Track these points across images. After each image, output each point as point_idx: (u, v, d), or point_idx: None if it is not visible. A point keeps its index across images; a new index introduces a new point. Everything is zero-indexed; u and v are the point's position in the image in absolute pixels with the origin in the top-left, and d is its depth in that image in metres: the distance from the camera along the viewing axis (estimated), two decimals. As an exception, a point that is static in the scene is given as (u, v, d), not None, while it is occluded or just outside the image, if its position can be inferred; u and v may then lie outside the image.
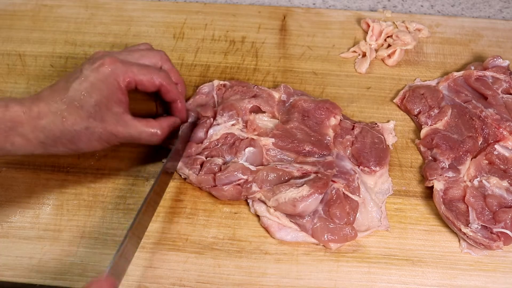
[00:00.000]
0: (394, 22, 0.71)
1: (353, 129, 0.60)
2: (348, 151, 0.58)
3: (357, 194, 0.55)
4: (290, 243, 0.54)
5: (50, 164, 0.60)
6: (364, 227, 0.55)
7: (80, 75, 0.51)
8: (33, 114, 0.49)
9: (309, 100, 0.61)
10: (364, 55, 0.68)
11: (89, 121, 0.50)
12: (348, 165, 0.57)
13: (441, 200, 0.55)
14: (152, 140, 0.54)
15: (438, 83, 0.64)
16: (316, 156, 0.56)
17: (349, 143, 0.59)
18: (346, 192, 0.55)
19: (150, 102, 0.60)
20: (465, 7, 0.77)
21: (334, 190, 0.54)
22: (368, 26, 0.70)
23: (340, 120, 0.60)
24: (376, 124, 0.62)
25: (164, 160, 0.59)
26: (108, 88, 0.50)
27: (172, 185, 0.58)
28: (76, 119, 0.50)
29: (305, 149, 0.57)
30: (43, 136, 0.50)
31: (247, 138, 0.58)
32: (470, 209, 0.54)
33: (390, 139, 0.61)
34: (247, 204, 0.56)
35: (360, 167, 0.57)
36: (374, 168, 0.57)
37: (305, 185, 0.53)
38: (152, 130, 0.53)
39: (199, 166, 0.56)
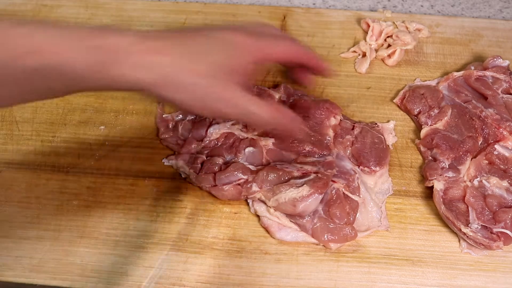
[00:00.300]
0: (394, 22, 0.71)
1: (353, 129, 0.60)
2: (348, 151, 0.58)
3: (357, 194, 0.55)
4: (290, 243, 0.54)
5: (50, 164, 0.60)
6: (364, 227, 0.54)
7: (209, 35, 0.45)
8: (150, 48, 0.42)
9: (309, 100, 0.61)
10: (364, 55, 0.68)
11: (214, 80, 0.43)
12: (348, 165, 0.57)
13: (441, 200, 0.55)
14: (271, 123, 0.48)
15: (438, 83, 0.64)
16: (316, 156, 0.56)
17: (349, 143, 0.59)
18: (346, 192, 0.55)
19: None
20: (465, 7, 0.77)
21: (334, 190, 0.54)
22: (368, 26, 0.70)
23: (340, 120, 0.60)
24: (376, 124, 0.62)
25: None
26: (242, 58, 0.45)
27: (172, 185, 0.58)
28: (198, 70, 0.43)
29: (305, 149, 0.57)
30: (154, 76, 0.41)
31: (246, 138, 0.58)
32: (470, 209, 0.54)
33: (390, 139, 0.61)
34: (247, 204, 0.56)
35: (360, 167, 0.57)
36: (374, 168, 0.57)
37: (305, 185, 0.53)
38: (273, 113, 0.47)
39: (199, 165, 0.56)
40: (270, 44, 0.48)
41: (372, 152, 0.58)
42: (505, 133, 0.59)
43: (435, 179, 0.56)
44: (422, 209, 0.57)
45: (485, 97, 0.62)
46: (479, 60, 0.67)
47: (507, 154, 0.58)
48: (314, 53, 0.53)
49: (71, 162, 0.60)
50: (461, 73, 0.64)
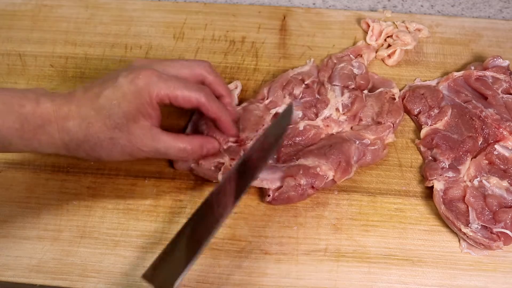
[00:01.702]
0: (394, 22, 0.71)
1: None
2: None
3: None
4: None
5: (50, 164, 0.60)
6: None
7: (115, 83, 0.49)
8: (62, 114, 0.48)
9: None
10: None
11: (114, 132, 0.49)
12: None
13: (441, 200, 0.55)
14: (181, 156, 0.52)
15: (438, 83, 0.64)
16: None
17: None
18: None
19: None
20: (465, 7, 0.77)
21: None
22: (368, 26, 0.70)
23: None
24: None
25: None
26: (139, 102, 0.48)
27: (172, 185, 0.58)
28: (102, 128, 0.48)
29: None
30: (68, 138, 0.49)
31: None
32: (470, 209, 0.54)
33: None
34: (248, 204, 0.57)
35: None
36: None
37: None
38: (180, 145, 0.51)
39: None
40: (176, 91, 0.49)
41: None
42: (505, 133, 0.59)
43: (435, 179, 0.56)
44: (422, 209, 0.57)
45: (485, 97, 0.62)
46: (479, 60, 0.67)
47: (507, 154, 0.58)
48: (225, 115, 0.53)
49: (71, 162, 0.60)
50: (461, 73, 0.64)
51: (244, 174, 0.51)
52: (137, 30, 0.70)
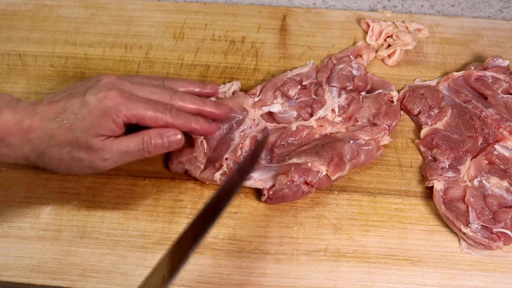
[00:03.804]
0: (394, 22, 0.71)
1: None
2: None
3: None
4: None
5: (50, 164, 0.60)
6: None
7: (82, 99, 0.49)
8: (25, 126, 0.48)
9: None
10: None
11: (73, 145, 0.49)
12: None
13: (441, 200, 0.55)
14: (143, 153, 0.51)
15: (438, 83, 0.64)
16: None
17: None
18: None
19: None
20: (465, 7, 0.77)
21: None
22: (368, 26, 0.70)
23: None
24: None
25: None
26: (105, 120, 0.49)
27: (172, 185, 0.58)
28: (62, 141, 0.49)
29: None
30: (28, 149, 0.49)
31: None
32: (470, 209, 0.54)
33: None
34: (247, 204, 0.57)
35: None
36: None
37: None
38: (135, 142, 0.50)
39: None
40: (143, 112, 0.50)
41: None
42: (505, 133, 0.59)
43: (435, 179, 0.56)
44: (422, 209, 0.57)
45: (485, 97, 0.62)
46: (479, 60, 0.67)
47: (507, 154, 0.58)
48: (195, 124, 0.52)
49: (71, 162, 0.60)
50: (461, 73, 0.64)
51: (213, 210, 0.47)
52: (137, 30, 0.70)
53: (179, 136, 0.51)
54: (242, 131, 0.59)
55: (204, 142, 0.56)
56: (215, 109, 0.55)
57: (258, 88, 0.63)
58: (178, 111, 0.52)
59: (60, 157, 0.50)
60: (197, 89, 0.57)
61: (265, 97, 0.61)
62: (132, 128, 0.51)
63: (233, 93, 0.63)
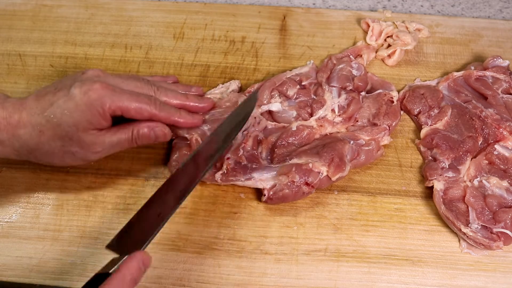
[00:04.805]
0: (394, 22, 0.71)
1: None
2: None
3: None
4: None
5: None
6: None
7: (68, 93, 0.49)
8: (13, 122, 0.49)
9: None
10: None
11: (64, 140, 0.49)
12: None
13: (441, 200, 0.55)
14: (133, 144, 0.53)
15: (438, 83, 0.64)
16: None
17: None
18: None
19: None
20: (465, 7, 0.77)
21: None
22: (368, 26, 0.70)
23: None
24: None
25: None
26: (92, 113, 0.49)
27: (172, 185, 0.58)
28: (53, 136, 0.49)
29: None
30: (18, 144, 0.49)
31: None
32: (470, 209, 0.54)
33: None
34: (247, 204, 0.57)
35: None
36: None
37: None
38: (125, 135, 0.52)
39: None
40: (128, 103, 0.50)
41: None
42: (505, 133, 0.59)
43: (435, 179, 0.56)
44: (422, 209, 0.57)
45: (485, 97, 0.62)
46: (479, 60, 0.67)
47: (507, 154, 0.58)
48: (179, 117, 0.54)
49: (71, 162, 0.60)
50: (461, 73, 0.64)
51: (205, 155, 0.52)
52: (137, 30, 0.70)
53: (166, 130, 0.53)
54: (245, 130, 0.59)
55: (199, 139, 0.56)
56: (198, 102, 0.57)
57: (255, 86, 0.63)
58: (163, 104, 0.53)
59: (53, 151, 0.50)
60: (181, 91, 0.58)
61: (261, 96, 0.61)
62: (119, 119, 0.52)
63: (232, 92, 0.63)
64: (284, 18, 0.72)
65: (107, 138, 0.51)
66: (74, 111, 0.49)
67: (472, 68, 0.65)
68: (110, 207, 0.57)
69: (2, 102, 0.49)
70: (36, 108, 0.49)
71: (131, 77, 0.55)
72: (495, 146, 0.58)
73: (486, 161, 0.58)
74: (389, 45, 0.68)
